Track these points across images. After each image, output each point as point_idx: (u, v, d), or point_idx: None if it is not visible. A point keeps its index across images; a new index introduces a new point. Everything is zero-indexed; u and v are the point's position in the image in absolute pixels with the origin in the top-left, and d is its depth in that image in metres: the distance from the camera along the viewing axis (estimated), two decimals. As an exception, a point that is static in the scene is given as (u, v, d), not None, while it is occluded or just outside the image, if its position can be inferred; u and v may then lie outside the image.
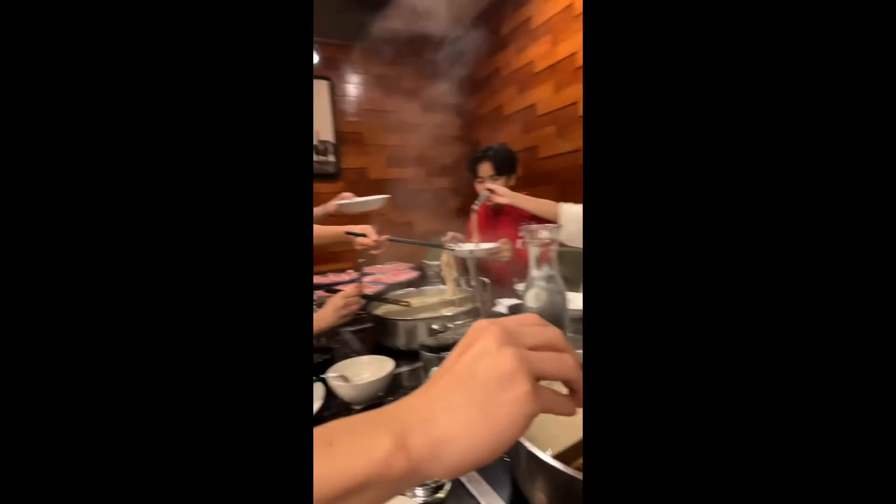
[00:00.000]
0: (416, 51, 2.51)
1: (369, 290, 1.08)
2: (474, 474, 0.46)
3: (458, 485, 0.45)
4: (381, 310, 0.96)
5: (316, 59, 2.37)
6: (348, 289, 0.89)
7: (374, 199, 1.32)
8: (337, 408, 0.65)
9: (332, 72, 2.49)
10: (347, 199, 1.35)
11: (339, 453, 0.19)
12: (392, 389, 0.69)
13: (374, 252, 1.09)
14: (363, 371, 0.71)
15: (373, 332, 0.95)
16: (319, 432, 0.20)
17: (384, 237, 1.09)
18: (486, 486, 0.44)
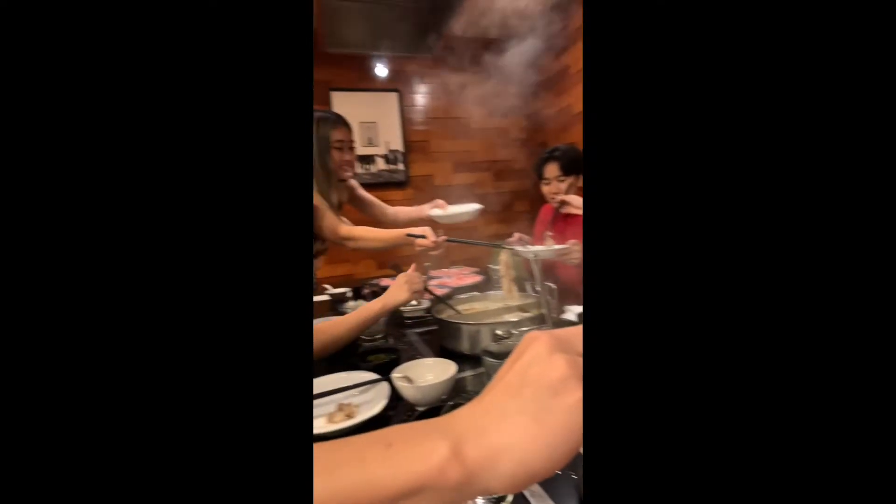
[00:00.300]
0: (481, 55, 2.52)
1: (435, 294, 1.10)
2: (539, 490, 0.44)
3: (521, 500, 0.43)
4: (446, 313, 0.96)
5: (385, 72, 2.49)
6: (409, 269, 0.93)
7: (466, 212, 1.30)
8: (401, 408, 0.67)
9: (400, 84, 2.60)
10: (441, 209, 1.34)
11: (396, 456, 0.20)
12: (455, 393, 0.69)
13: (433, 253, 1.11)
14: (427, 373, 0.72)
15: (437, 336, 0.96)
16: (380, 434, 0.21)
17: (442, 238, 1.10)
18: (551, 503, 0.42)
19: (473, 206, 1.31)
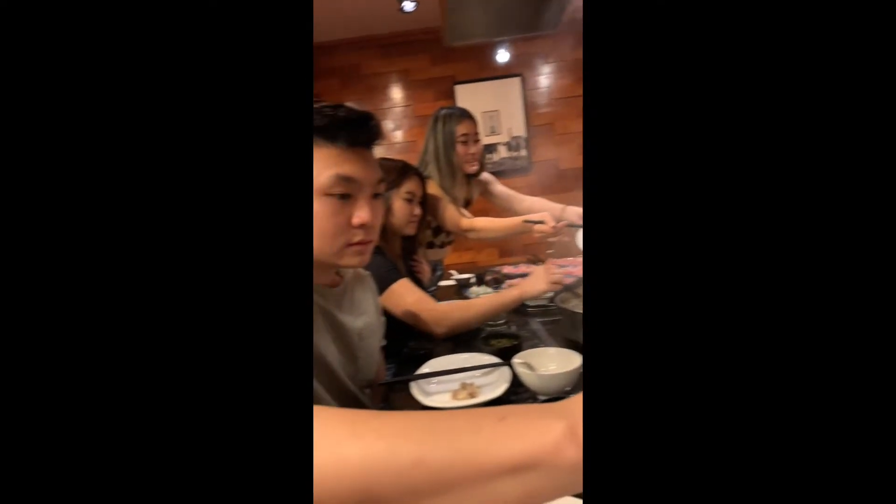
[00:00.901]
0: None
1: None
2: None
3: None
4: (572, 303, 0.92)
5: (507, 57, 2.45)
6: (548, 263, 0.95)
7: None
8: (523, 394, 0.66)
9: (523, 68, 2.53)
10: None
11: (511, 429, 0.20)
12: (579, 387, 0.66)
13: (551, 239, 1.06)
14: (549, 362, 0.70)
15: (561, 327, 0.93)
16: (494, 409, 0.22)
17: (562, 223, 1.05)
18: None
19: None
